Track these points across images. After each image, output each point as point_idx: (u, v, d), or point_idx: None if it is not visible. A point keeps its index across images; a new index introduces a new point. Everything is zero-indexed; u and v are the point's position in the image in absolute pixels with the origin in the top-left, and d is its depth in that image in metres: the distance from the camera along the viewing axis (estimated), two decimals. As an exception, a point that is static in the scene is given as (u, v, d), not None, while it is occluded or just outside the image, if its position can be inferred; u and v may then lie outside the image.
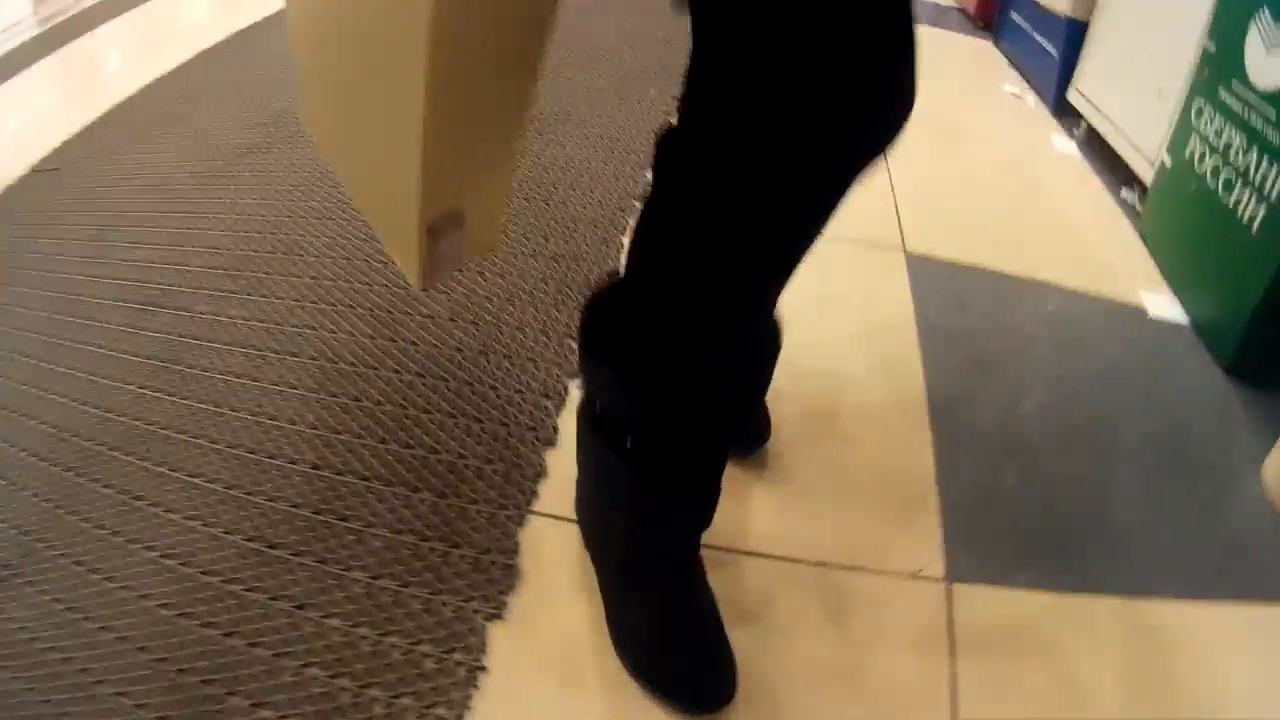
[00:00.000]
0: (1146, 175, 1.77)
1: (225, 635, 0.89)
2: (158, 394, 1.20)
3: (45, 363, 1.30)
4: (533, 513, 1.02)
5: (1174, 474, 1.16)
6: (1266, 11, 1.35)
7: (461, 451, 1.10)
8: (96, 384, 1.24)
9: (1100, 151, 2.02)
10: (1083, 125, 2.13)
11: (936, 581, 0.97)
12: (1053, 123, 2.23)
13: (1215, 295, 1.43)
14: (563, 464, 1.08)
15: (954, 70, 2.52)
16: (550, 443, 1.12)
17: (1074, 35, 2.15)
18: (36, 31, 2.35)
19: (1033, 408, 1.24)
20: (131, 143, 1.90)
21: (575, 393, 1.20)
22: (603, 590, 0.92)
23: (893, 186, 1.74)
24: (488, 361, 1.25)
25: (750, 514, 1.04)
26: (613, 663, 0.87)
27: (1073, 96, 2.17)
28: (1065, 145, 2.11)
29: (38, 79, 2.15)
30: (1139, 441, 1.21)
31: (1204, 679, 0.89)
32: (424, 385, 1.21)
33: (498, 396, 1.19)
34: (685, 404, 0.76)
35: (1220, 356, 1.39)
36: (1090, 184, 1.93)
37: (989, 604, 0.96)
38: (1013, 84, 2.45)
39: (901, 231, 1.61)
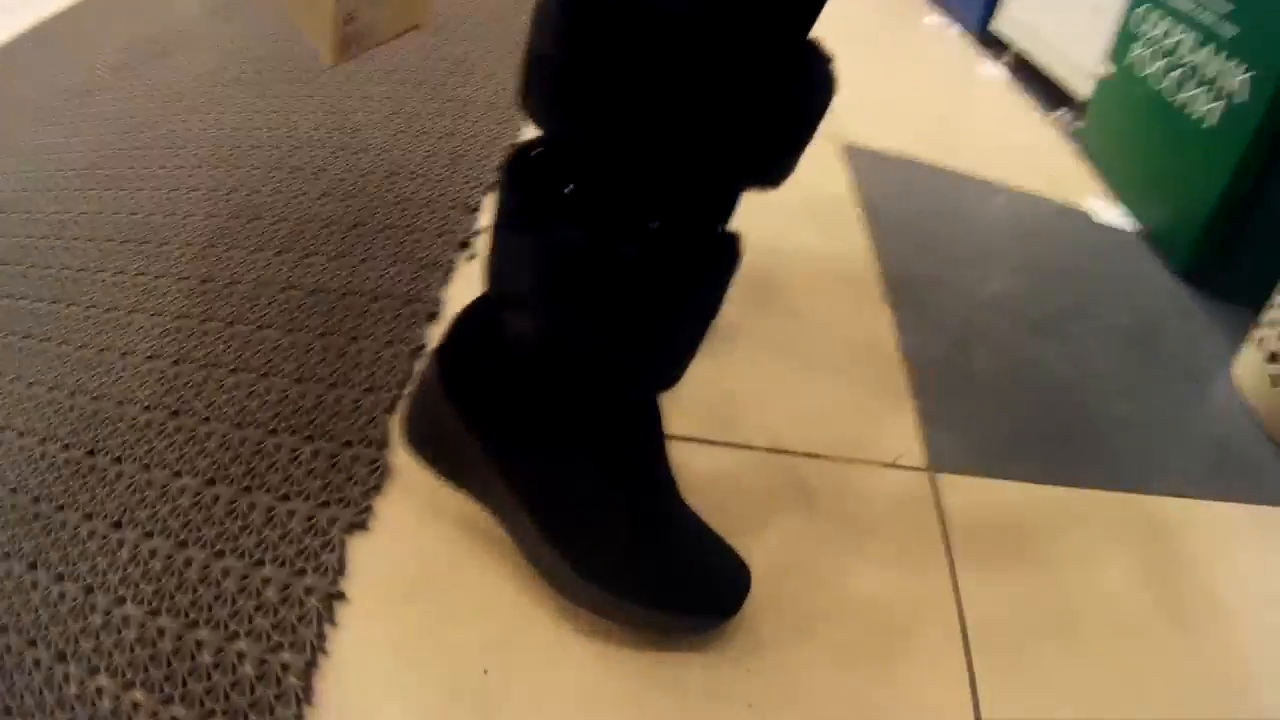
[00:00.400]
0: (1083, 91, 1.70)
1: (29, 568, 0.69)
2: (-11, 299, 1.02)
3: None
4: (407, 396, 0.80)
5: (1148, 369, 1.07)
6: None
7: (324, 330, 0.88)
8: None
9: (1029, 78, 1.97)
10: (1009, 53, 2.06)
11: (919, 471, 0.81)
12: (977, 52, 2.15)
13: (1169, 198, 1.36)
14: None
15: (871, 4, 2.42)
16: (433, 316, 0.91)
17: (997, -36, 2.09)
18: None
19: (994, 292, 1.12)
20: (13, 72, 1.76)
21: (463, 265, 0.99)
22: (531, 482, 0.63)
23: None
24: (361, 235, 1.02)
25: (686, 393, 0.84)
26: (519, 578, 0.66)
27: (998, 24, 2.10)
28: (993, 71, 2.03)
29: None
30: (1108, 334, 1.10)
31: (1209, 572, 0.79)
32: (284, 263, 0.98)
33: (370, 270, 0.96)
34: (743, 126, 0.49)
35: (1175, 262, 1.31)
36: (1022, 105, 1.85)
37: (979, 496, 0.81)
38: (933, 18, 2.37)
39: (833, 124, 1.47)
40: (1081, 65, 1.73)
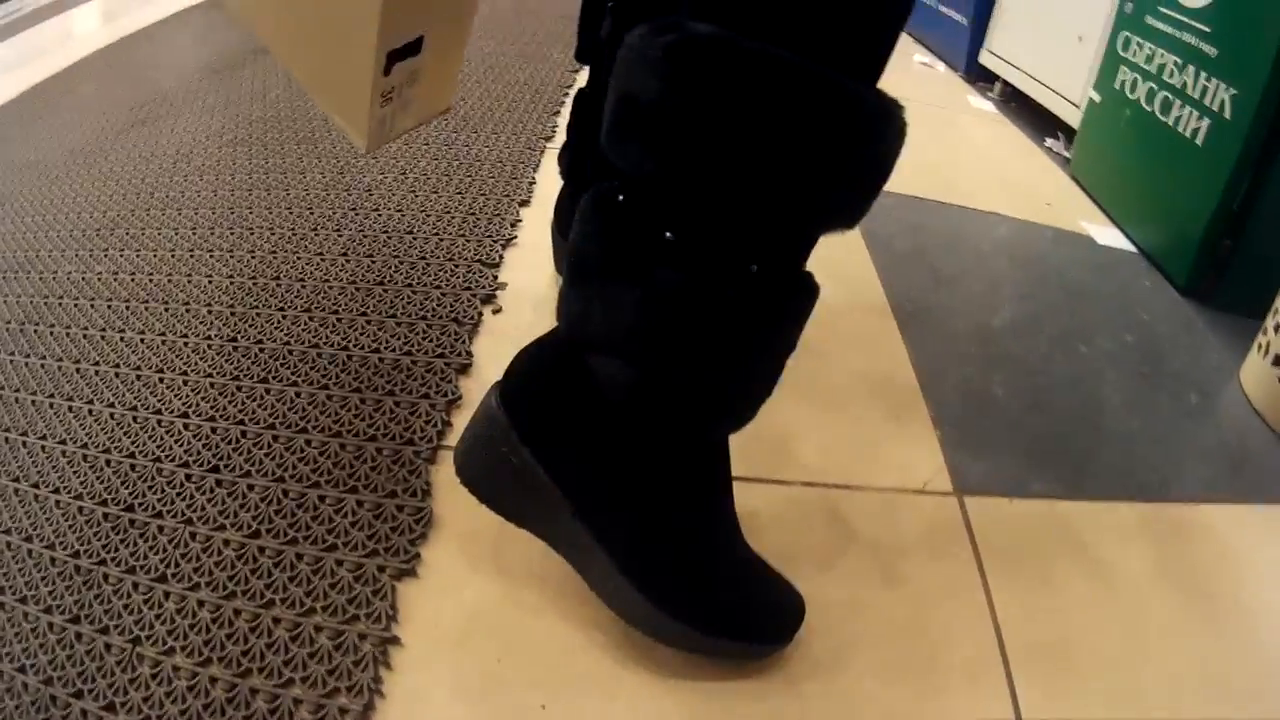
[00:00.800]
0: (1072, 118, 1.75)
1: (70, 621, 0.70)
2: (14, 357, 1.04)
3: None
4: (446, 447, 0.83)
5: (1158, 383, 1.09)
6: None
7: (356, 385, 0.90)
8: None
9: (1018, 109, 2.02)
10: (997, 86, 2.12)
11: (946, 495, 0.83)
12: (966, 87, 2.21)
13: (1165, 217, 1.39)
14: (479, 392, 0.89)
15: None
16: (464, 370, 0.93)
17: (983, 1, 2.15)
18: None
19: (1004, 319, 1.16)
20: (16, 132, 1.79)
21: (489, 319, 1.02)
22: (611, 521, 0.62)
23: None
24: (385, 292, 1.05)
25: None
26: (569, 614, 0.68)
27: (986, 59, 2.16)
28: (982, 104, 2.08)
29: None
30: (1117, 353, 1.13)
31: (1234, 573, 0.81)
32: (311, 320, 1.01)
33: (398, 325, 0.99)
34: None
35: (1176, 278, 1.34)
36: (1013, 135, 1.90)
37: (1006, 515, 0.83)
38: (922, 55, 2.43)
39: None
40: (1068, 94, 1.78)
